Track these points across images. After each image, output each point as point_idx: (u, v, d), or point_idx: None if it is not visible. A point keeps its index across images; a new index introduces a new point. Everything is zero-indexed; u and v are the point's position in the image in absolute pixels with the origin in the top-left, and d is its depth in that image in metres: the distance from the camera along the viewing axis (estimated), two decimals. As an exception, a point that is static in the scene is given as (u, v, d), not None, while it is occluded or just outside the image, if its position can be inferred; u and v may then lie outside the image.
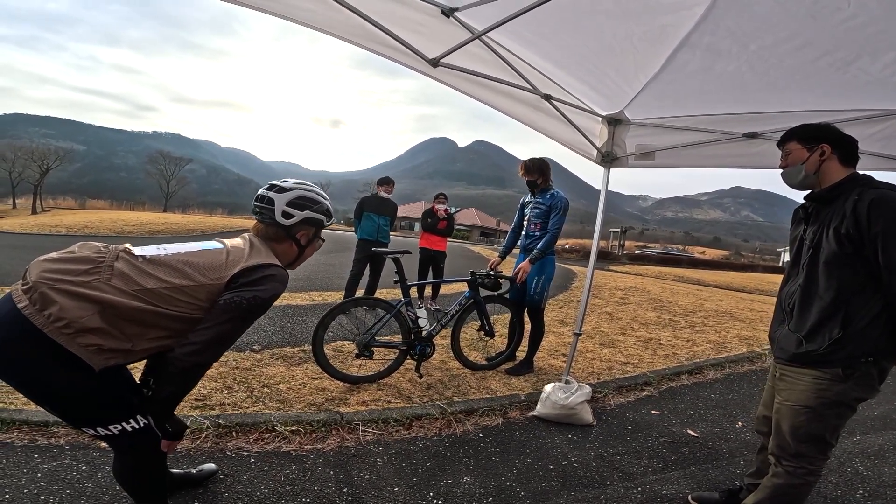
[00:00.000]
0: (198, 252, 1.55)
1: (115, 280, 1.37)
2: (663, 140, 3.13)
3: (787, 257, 2.33)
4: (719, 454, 2.93)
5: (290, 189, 1.71)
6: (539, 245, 3.76)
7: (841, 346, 1.63)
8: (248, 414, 2.74)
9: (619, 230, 45.84)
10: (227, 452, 2.37)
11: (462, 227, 59.57)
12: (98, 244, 1.48)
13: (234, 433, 2.53)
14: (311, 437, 2.62)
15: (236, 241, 1.66)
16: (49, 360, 1.28)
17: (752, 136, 2.76)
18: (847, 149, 1.73)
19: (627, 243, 49.84)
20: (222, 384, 3.14)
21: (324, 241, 1.90)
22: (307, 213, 1.72)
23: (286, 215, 1.69)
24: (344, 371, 3.47)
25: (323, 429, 2.70)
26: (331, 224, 1.85)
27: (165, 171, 66.31)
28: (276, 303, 5.61)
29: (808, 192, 1.81)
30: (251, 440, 2.51)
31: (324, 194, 1.81)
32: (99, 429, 1.41)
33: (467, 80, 2.64)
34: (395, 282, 3.55)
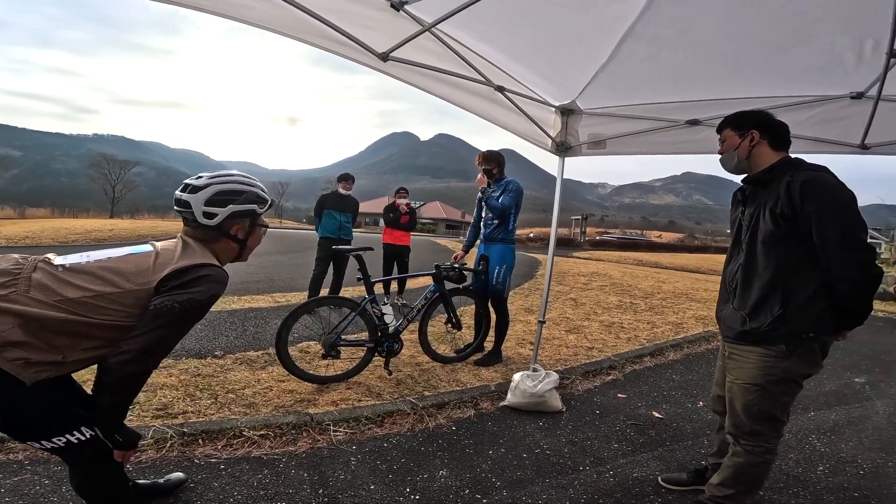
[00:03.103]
0: (123, 257, 1.49)
1: (34, 292, 1.31)
2: (613, 128, 3.22)
3: (733, 238, 2.46)
4: (684, 434, 3.05)
5: (205, 186, 1.59)
6: (496, 208, 3.80)
7: (783, 323, 1.71)
8: (213, 421, 2.67)
9: (580, 218, 46.91)
10: (196, 460, 2.32)
11: (428, 221, 59.48)
12: (16, 256, 1.42)
13: (200, 441, 2.47)
14: (281, 441, 2.58)
15: (168, 243, 1.59)
16: None
17: (695, 123, 2.88)
18: (776, 133, 1.83)
19: (589, 230, 51.12)
20: (184, 392, 3.05)
21: (267, 227, 1.81)
22: (232, 208, 1.62)
23: (208, 215, 1.59)
24: (311, 372, 3.42)
25: (293, 431, 2.66)
26: (267, 208, 1.74)
27: (110, 176, 62.83)
28: (238, 306, 5.58)
29: (745, 175, 1.91)
30: (219, 447, 2.45)
31: (251, 180, 1.71)
32: (43, 442, 1.37)
33: (419, 74, 2.63)
34: (359, 279, 3.52)
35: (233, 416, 2.75)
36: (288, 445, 2.56)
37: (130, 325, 1.40)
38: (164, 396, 2.94)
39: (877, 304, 9.90)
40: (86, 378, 1.79)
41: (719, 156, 1.97)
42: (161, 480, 2.07)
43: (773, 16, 1.87)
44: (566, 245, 33.41)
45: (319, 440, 2.63)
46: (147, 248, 1.56)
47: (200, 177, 1.64)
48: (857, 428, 3.30)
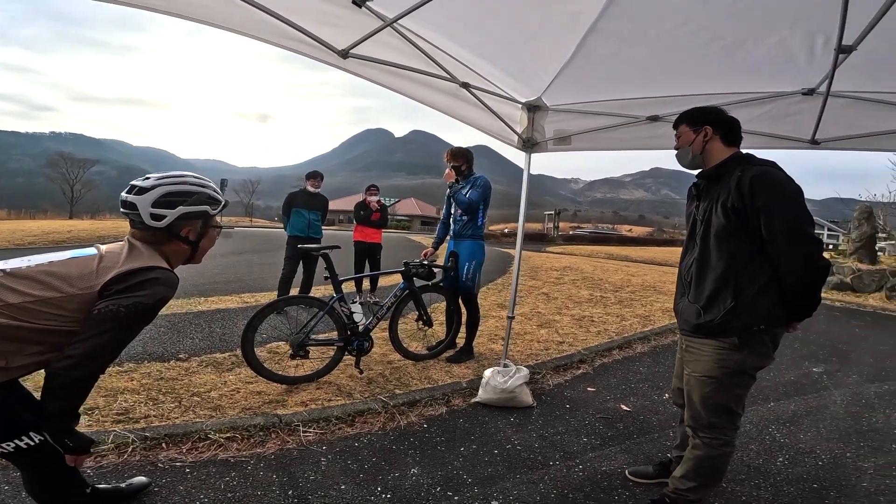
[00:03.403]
0: (65, 261, 1.45)
1: None
2: (578, 124, 3.26)
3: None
4: (650, 427, 3.12)
5: (153, 188, 1.55)
6: (463, 202, 3.83)
7: (735, 316, 1.75)
8: (177, 424, 2.63)
9: (553, 213, 47.51)
10: (160, 464, 2.28)
11: (403, 218, 59.23)
12: None
13: (164, 444, 2.43)
14: (249, 443, 2.55)
15: (113, 246, 1.55)
16: None
17: (655, 119, 2.94)
18: (728, 129, 1.88)
19: (562, 225, 51.87)
20: (146, 396, 2.98)
21: (221, 228, 1.78)
22: (181, 210, 1.58)
23: (156, 217, 1.54)
24: (280, 373, 3.37)
25: (261, 433, 2.63)
26: (221, 210, 1.70)
27: (68, 175, 60.26)
28: (205, 307, 5.44)
29: (699, 170, 1.95)
30: (184, 450, 2.41)
31: (203, 181, 1.67)
32: None
33: (382, 71, 2.60)
34: (326, 278, 3.47)
35: (198, 420, 2.71)
36: (256, 447, 2.53)
37: (74, 330, 1.38)
38: (124, 401, 2.87)
39: (833, 295, 10.38)
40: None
41: (675, 151, 2.01)
42: (123, 485, 2.05)
43: (728, 11, 1.91)
44: (540, 240, 33.80)
45: (289, 441, 2.61)
46: (91, 251, 1.52)
47: (148, 177, 1.60)
48: (816, 418, 3.42)
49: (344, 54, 2.40)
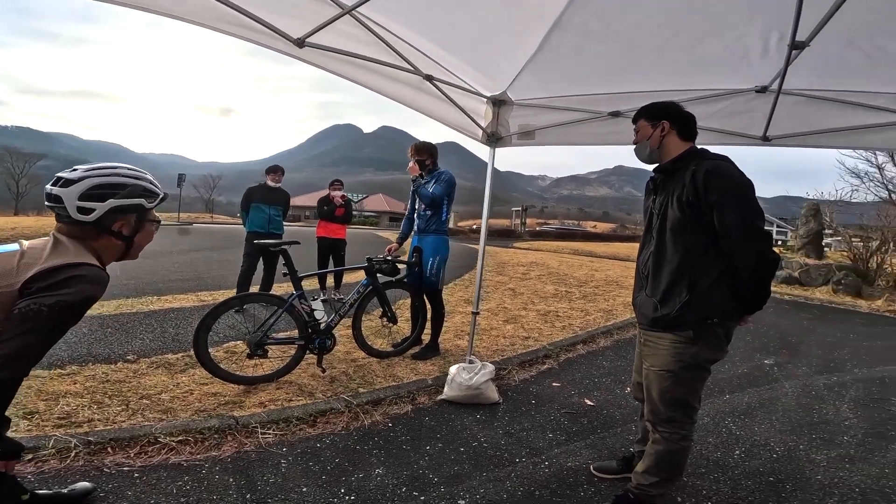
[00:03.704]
0: None
1: None
2: (542, 119, 3.27)
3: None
4: (614, 421, 3.15)
5: (80, 180, 1.46)
6: (427, 197, 3.80)
7: (690, 309, 1.78)
8: (123, 428, 2.50)
9: (520, 209, 48.05)
10: (105, 469, 2.18)
11: (371, 214, 58.66)
12: None
13: (109, 449, 2.32)
14: (203, 446, 2.45)
15: (37, 242, 1.45)
16: None
17: (616, 114, 2.97)
18: (684, 124, 1.90)
19: (529, 221, 52.55)
20: (90, 399, 2.83)
21: (159, 222, 1.68)
22: (112, 203, 1.49)
23: (83, 210, 1.45)
24: (237, 373, 3.25)
25: (216, 435, 2.53)
26: (158, 203, 1.60)
27: (13, 170, 56.95)
28: (158, 306, 5.20)
29: (656, 165, 1.97)
30: (132, 454, 2.31)
31: (138, 173, 1.57)
32: None
33: (342, 62, 2.52)
34: (285, 274, 3.37)
35: (146, 423, 2.60)
36: (211, 450, 2.43)
37: None
38: (66, 405, 2.72)
39: (782, 288, 10.90)
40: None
41: (634, 146, 2.02)
42: (65, 490, 1.96)
43: (690, 6, 1.93)
44: (507, 236, 34.16)
45: (246, 443, 2.51)
46: (13, 247, 1.42)
47: (75, 169, 1.49)
48: (769, 410, 3.54)
49: (300, 43, 2.30)
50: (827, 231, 14.08)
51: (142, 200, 1.54)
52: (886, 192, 12.14)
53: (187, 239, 16.08)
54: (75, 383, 3.04)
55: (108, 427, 2.51)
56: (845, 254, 13.04)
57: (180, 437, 2.45)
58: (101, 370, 3.31)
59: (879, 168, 12.05)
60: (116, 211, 1.49)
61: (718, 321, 1.79)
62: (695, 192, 1.73)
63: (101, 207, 1.46)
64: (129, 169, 1.55)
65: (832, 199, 13.69)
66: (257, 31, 2.20)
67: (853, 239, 12.98)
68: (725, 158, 1.80)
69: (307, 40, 2.29)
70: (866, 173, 12.45)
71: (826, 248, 14.43)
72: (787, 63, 1.84)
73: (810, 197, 14.07)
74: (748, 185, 1.72)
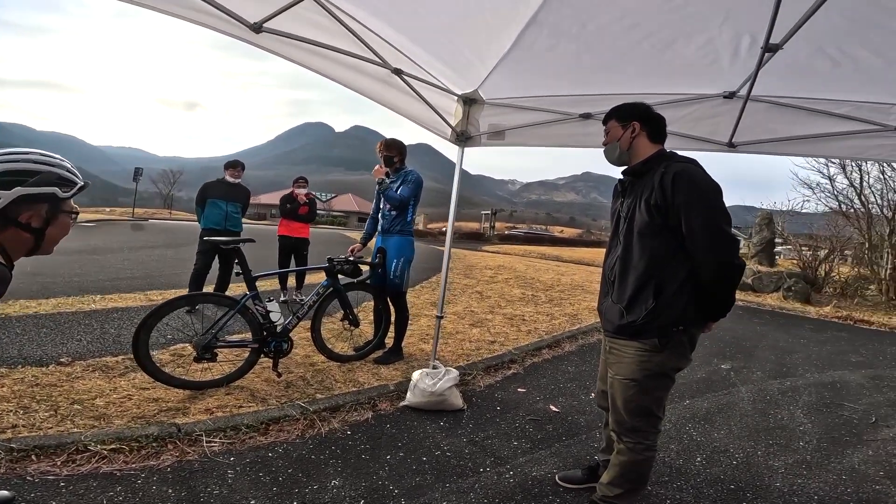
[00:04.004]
0: None
1: None
2: (513, 119, 3.21)
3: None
4: (578, 428, 3.11)
5: None
6: (394, 199, 3.71)
7: (655, 316, 1.73)
8: (50, 435, 2.35)
9: (490, 212, 48.37)
10: (28, 478, 2.06)
11: (339, 214, 57.75)
12: None
13: (33, 457, 2.18)
14: (139, 455, 2.30)
15: None
16: None
17: (587, 116, 2.94)
18: (655, 126, 1.87)
19: (498, 224, 52.98)
20: (17, 404, 2.62)
21: (77, 213, 1.49)
22: (19, 191, 1.31)
23: None
24: (182, 377, 3.04)
25: (155, 444, 2.38)
26: (76, 192, 1.42)
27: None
28: (99, 306, 4.88)
29: (625, 167, 1.93)
30: (58, 463, 2.17)
31: (52, 159, 1.40)
32: None
33: (302, 50, 2.37)
34: (237, 274, 3.18)
35: (76, 430, 2.42)
36: (149, 460, 2.28)
37: None
38: (-10, 409, 2.50)
39: (737, 294, 11.30)
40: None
41: (603, 147, 1.97)
42: None
43: (663, 7, 1.89)
44: (476, 239, 34.28)
45: (189, 452, 2.37)
46: None
47: None
48: (727, 415, 3.58)
49: (257, 28, 2.15)
50: (778, 240, 14.74)
51: (55, 189, 1.35)
52: (836, 203, 12.78)
53: (141, 235, 15.33)
54: (2, 387, 2.83)
55: (34, 434, 2.35)
56: (795, 262, 13.68)
57: (113, 445, 2.30)
58: (31, 373, 3.07)
59: (831, 179, 12.66)
60: (24, 200, 1.30)
61: (684, 328, 1.75)
62: (662, 195, 1.69)
63: (6, 196, 1.27)
64: (41, 154, 1.36)
65: (784, 209, 14.34)
66: (209, 15, 2.04)
67: (802, 248, 13.64)
68: (694, 162, 1.77)
69: (264, 25, 2.14)
70: (818, 184, 13.05)
71: (777, 256, 15.10)
72: (759, 66, 1.83)
73: (763, 207, 14.70)
74: (716, 189, 1.69)
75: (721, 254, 1.65)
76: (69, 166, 1.39)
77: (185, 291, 5.36)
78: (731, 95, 2.38)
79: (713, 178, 1.73)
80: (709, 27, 1.97)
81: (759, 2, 1.64)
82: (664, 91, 2.56)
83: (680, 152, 1.91)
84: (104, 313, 4.67)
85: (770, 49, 1.68)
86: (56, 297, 5.14)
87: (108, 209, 34.79)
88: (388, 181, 3.76)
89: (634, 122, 1.85)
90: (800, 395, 4.18)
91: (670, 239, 1.72)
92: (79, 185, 1.39)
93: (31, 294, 5.17)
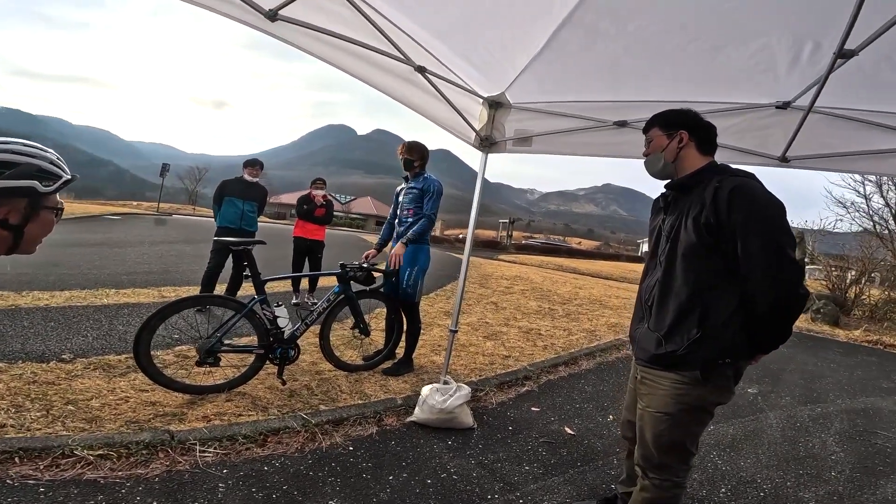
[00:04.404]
0: None
1: None
2: (541, 125, 3.03)
3: (645, 248, 2.30)
4: (595, 453, 2.93)
5: None
6: (414, 228, 3.54)
7: (700, 347, 1.54)
8: (36, 437, 2.24)
9: (507, 221, 48.13)
10: (9, 481, 1.98)
11: (357, 216, 58.16)
12: None
13: (17, 459, 2.09)
14: (127, 462, 2.19)
15: None
16: None
17: (622, 124, 2.75)
18: (705, 135, 1.68)
19: (515, 233, 52.68)
20: (10, 402, 2.54)
21: (61, 209, 1.36)
22: None
23: None
24: (183, 380, 2.93)
25: (145, 451, 2.26)
26: (59, 187, 1.26)
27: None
28: (112, 300, 4.81)
29: (668, 180, 1.74)
30: (41, 467, 2.08)
31: (34, 150, 1.25)
32: None
33: (320, 41, 2.25)
34: (246, 276, 3.06)
35: (64, 432, 2.32)
36: (137, 468, 2.17)
37: None
38: (-20, 406, 2.43)
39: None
40: None
41: (644, 158, 1.78)
42: None
43: (714, 9, 1.71)
44: (493, 247, 34.06)
45: (180, 462, 2.26)
46: None
47: None
48: (754, 443, 3.36)
49: (272, 16, 2.03)
50: (806, 259, 14.21)
51: (34, 183, 1.20)
52: (871, 223, 12.23)
53: (162, 230, 15.53)
54: (-1, 383, 2.73)
55: (20, 434, 2.26)
56: (824, 283, 13.14)
57: (101, 451, 2.19)
58: (31, 369, 2.99)
59: (866, 198, 12.14)
60: (1, 195, 1.18)
61: (731, 361, 1.55)
62: (716, 212, 1.49)
63: None
64: (23, 144, 1.21)
65: (816, 227, 13.83)
66: (225, 2, 1.94)
67: (832, 269, 13.09)
68: (752, 176, 1.56)
69: (280, 12, 2.03)
70: (852, 203, 12.54)
71: (806, 277, 14.54)
72: (830, 72, 1.61)
73: (795, 225, 14.18)
74: (779, 207, 1.49)
75: (782, 281, 1.44)
76: (54, 158, 1.24)
77: (198, 289, 5.31)
78: (784, 105, 2.17)
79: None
80: (765, 32, 1.77)
81: (829, 4, 1.44)
82: (708, 99, 2.35)
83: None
84: (115, 308, 4.62)
85: (844, 55, 1.47)
86: (70, 289, 5.12)
87: (135, 203, 35.75)
88: (406, 184, 3.63)
89: (682, 130, 1.66)
90: (831, 422, 3.95)
91: (719, 261, 1.52)
92: (63, 179, 1.25)
93: (45, 285, 5.17)
